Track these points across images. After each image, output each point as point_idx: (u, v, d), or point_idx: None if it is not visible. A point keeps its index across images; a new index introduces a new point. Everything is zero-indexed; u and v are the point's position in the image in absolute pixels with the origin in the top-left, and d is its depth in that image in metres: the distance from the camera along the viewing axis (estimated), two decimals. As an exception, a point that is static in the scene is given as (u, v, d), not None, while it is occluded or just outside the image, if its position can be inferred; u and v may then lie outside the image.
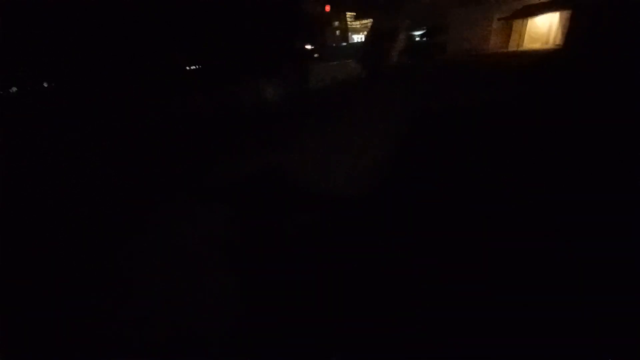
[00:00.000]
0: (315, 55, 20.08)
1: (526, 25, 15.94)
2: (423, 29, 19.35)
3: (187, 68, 12.49)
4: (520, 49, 15.91)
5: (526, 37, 16.14)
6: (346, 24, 47.26)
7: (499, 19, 16.40)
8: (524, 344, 1.66)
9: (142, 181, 5.43)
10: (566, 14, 13.06)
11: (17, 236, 3.94)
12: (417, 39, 19.42)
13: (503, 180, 3.48)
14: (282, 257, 2.83)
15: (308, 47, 19.85)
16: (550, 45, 14.72)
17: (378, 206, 3.46)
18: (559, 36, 13.90)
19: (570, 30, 12.39)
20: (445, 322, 1.90)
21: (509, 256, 2.28)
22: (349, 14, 46.48)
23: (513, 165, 3.82)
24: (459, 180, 3.67)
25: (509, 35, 16.66)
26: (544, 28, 15.15)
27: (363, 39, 20.82)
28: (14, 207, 4.85)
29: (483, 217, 2.84)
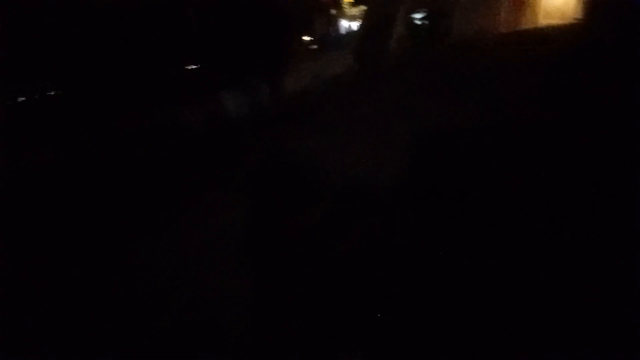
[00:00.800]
0: (314, 46, 18.78)
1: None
2: (425, 12, 17.74)
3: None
4: (534, 26, 14.26)
5: (541, 12, 14.44)
6: (344, 12, 44.95)
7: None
8: (525, 344, 1.74)
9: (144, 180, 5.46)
10: None
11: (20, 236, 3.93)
12: (419, 23, 17.84)
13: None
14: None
15: (306, 38, 18.58)
16: (568, 19, 13.08)
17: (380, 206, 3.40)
18: (579, 7, 12.24)
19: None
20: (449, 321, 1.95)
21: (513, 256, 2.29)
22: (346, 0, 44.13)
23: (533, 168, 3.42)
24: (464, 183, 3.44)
25: (521, 12, 14.97)
26: (560, 0, 13.47)
27: (359, 28, 19.17)
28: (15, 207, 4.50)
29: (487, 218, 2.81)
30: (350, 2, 17.37)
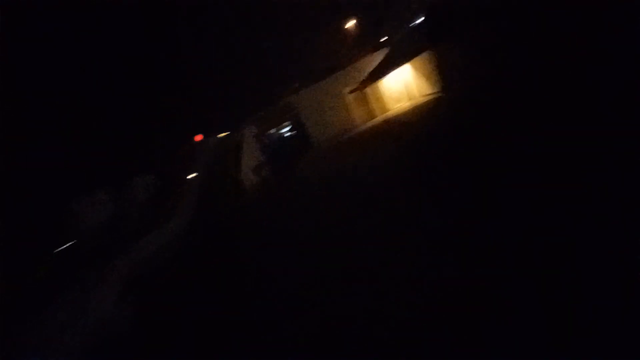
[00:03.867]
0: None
1: (382, 88, 13.99)
2: (277, 131, 16.12)
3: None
4: (387, 113, 13.58)
5: (387, 100, 14.09)
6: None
7: (350, 92, 14.16)
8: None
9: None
10: (420, 61, 11.01)
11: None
12: (272, 147, 15.87)
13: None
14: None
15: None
16: (416, 98, 12.60)
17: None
18: (424, 86, 11.75)
19: (445, 73, 10.03)
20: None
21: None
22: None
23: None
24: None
25: (369, 105, 14.45)
26: (402, 85, 13.22)
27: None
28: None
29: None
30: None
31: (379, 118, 13.39)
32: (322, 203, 6.35)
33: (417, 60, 11.04)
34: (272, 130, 15.96)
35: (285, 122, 15.41)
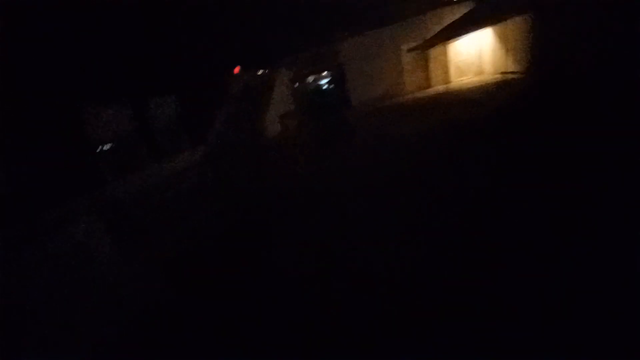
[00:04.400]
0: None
1: (448, 53, 11.64)
2: (319, 79, 14.26)
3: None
4: (449, 85, 11.40)
5: (452, 69, 11.78)
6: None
7: (408, 51, 11.92)
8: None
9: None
10: (517, 26, 8.65)
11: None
12: (305, 96, 14.11)
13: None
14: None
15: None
16: (489, 74, 10.33)
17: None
18: (505, 61, 9.43)
19: (537, 47, 7.75)
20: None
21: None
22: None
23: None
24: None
25: (427, 70, 12.21)
26: (473, 54, 10.84)
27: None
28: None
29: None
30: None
31: (436, 89, 11.28)
32: (348, 172, 5.34)
33: (504, 25, 8.67)
34: (310, 78, 14.21)
35: (325, 71, 13.55)
